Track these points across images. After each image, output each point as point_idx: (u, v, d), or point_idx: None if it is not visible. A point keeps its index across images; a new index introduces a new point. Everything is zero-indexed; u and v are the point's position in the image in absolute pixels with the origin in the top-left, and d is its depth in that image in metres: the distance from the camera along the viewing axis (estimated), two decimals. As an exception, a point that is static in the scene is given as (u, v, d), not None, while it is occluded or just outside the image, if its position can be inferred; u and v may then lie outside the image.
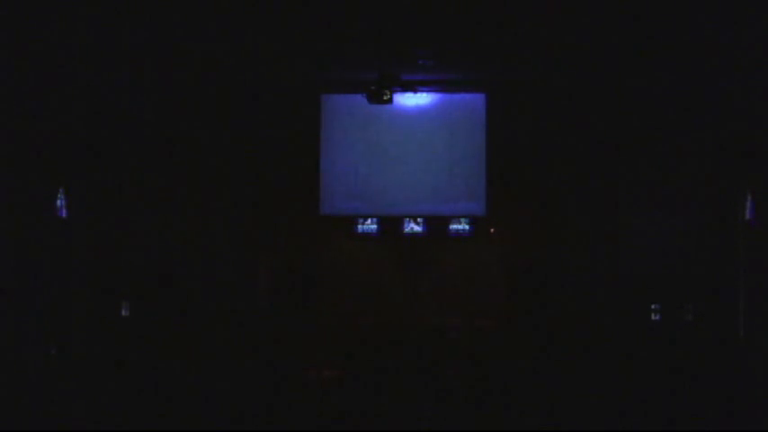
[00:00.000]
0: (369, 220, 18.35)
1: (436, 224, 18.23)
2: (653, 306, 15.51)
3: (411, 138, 17.96)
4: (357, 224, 18.36)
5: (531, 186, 17.70)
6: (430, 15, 12.86)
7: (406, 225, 18.35)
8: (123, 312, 14.99)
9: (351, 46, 14.66)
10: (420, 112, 17.95)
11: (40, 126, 12.38)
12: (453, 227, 18.29)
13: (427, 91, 17.69)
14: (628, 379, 11.34)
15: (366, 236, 18.37)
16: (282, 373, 12.24)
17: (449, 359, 13.83)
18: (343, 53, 15.25)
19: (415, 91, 17.30)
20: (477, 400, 10.10)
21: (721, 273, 13.44)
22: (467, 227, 18.28)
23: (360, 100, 16.26)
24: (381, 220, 18.30)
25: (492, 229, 18.01)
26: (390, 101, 15.89)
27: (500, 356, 13.78)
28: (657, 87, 15.31)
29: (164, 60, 15.05)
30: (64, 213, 13.47)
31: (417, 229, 18.31)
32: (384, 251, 18.24)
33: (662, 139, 15.48)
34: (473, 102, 17.92)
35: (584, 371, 11.88)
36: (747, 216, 13.12)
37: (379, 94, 15.68)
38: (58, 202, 13.37)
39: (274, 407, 9.87)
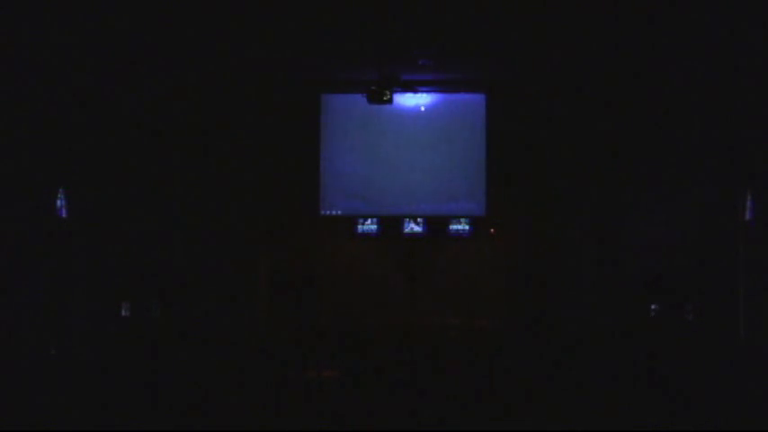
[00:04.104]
0: (369, 221, 18.35)
1: (436, 224, 18.23)
2: (653, 306, 15.50)
3: (411, 138, 17.98)
4: (357, 224, 18.36)
5: (531, 186, 17.71)
6: (430, 15, 12.87)
7: (406, 225, 18.35)
8: (123, 312, 14.98)
9: (351, 46, 14.67)
10: (420, 112, 17.98)
11: (40, 126, 12.37)
12: (453, 227, 18.29)
13: (427, 91, 17.72)
14: (628, 379, 11.34)
15: (366, 236, 18.37)
16: (282, 373, 12.22)
17: (449, 359, 13.82)
18: (343, 53, 15.26)
19: (415, 91, 17.31)
20: (478, 400, 10.10)
21: (721, 273, 13.43)
22: (467, 227, 18.28)
23: (360, 100, 16.26)
24: (381, 220, 18.30)
25: (492, 229, 18.01)
26: (390, 101, 15.89)
27: (500, 356, 13.76)
28: (658, 87, 15.31)
29: (164, 60, 15.06)
30: (64, 213, 13.46)
31: (417, 229, 18.31)
32: (384, 251, 18.24)
33: (662, 138, 15.47)
34: (473, 102, 17.94)
35: (583, 371, 11.87)
36: (747, 216, 13.11)
37: (379, 94, 15.68)
38: (58, 202, 13.36)
39: (274, 407, 9.87)
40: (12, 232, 11.59)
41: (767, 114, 11.96)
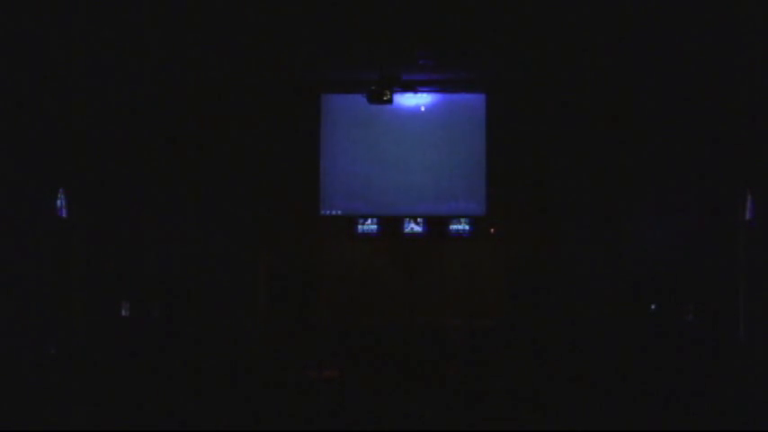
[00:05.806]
0: (369, 220, 18.35)
1: (436, 224, 18.23)
2: (653, 306, 15.50)
3: (411, 138, 17.98)
4: (357, 224, 18.35)
5: (532, 186, 17.70)
6: (430, 15, 12.87)
7: (406, 225, 18.34)
8: (123, 312, 14.98)
9: (351, 46, 14.68)
10: (420, 112, 17.97)
11: (40, 126, 12.37)
12: (453, 227, 18.28)
13: (427, 91, 17.71)
14: (628, 379, 11.34)
15: (366, 236, 18.36)
16: (282, 373, 12.23)
17: (449, 359, 13.83)
18: (343, 53, 15.27)
19: (415, 91, 17.32)
20: (478, 400, 10.09)
21: (721, 273, 13.43)
22: (467, 227, 18.27)
23: (360, 100, 16.26)
24: (381, 220, 18.30)
25: (492, 229, 18.00)
26: (390, 101, 15.89)
27: (500, 356, 13.77)
28: (657, 87, 15.31)
29: (164, 60, 15.06)
30: (64, 213, 13.46)
31: (417, 229, 18.30)
32: (384, 251, 18.23)
33: (662, 138, 15.47)
34: (473, 102, 17.94)
35: (583, 371, 11.88)
36: (747, 216, 13.11)
37: (379, 94, 15.69)
38: (58, 202, 13.36)
39: (274, 407, 9.87)
40: (12, 232, 11.59)
41: (767, 114, 11.96)
